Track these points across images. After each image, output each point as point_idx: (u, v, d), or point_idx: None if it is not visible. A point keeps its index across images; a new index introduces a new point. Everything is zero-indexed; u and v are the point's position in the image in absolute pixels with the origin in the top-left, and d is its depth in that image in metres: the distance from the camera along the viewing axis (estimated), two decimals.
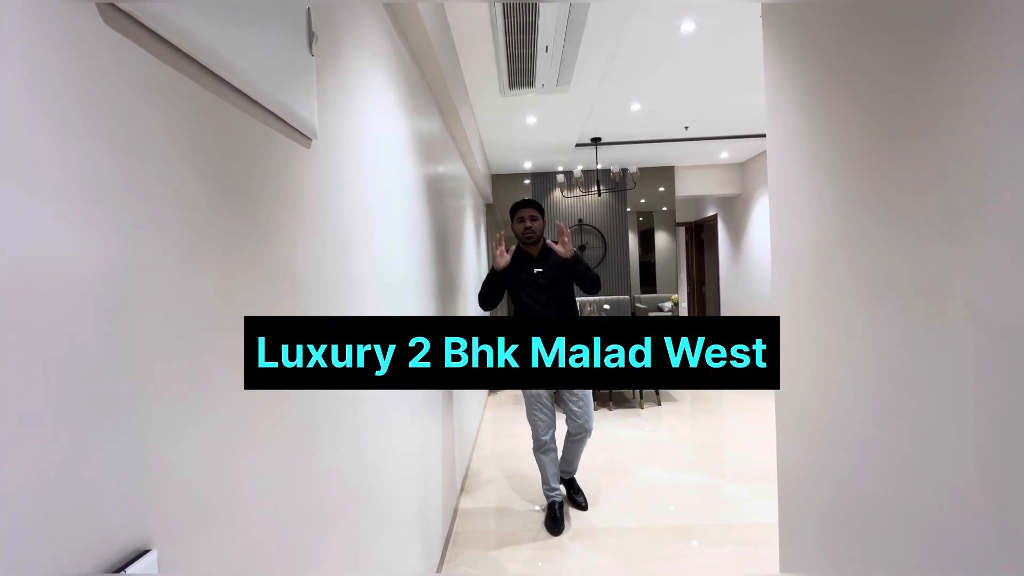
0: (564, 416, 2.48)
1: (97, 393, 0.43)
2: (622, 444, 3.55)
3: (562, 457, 2.54)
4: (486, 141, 4.50)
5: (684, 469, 3.11)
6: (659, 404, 4.58)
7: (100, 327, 0.43)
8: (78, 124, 0.42)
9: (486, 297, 2.44)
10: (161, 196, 0.52)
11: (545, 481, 2.45)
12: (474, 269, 4.14)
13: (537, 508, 2.59)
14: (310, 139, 0.90)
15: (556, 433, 2.47)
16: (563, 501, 2.49)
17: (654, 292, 6.98)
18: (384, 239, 1.41)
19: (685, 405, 4.60)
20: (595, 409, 2.46)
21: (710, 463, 3.24)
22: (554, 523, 2.33)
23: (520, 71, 2.92)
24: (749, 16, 2.49)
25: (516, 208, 2.43)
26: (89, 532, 0.41)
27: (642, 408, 4.49)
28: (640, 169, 5.48)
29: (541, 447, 2.42)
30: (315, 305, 0.91)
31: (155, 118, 0.52)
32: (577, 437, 2.46)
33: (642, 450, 3.45)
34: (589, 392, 2.43)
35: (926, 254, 0.77)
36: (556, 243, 2.38)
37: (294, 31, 0.81)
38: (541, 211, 2.42)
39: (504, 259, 2.35)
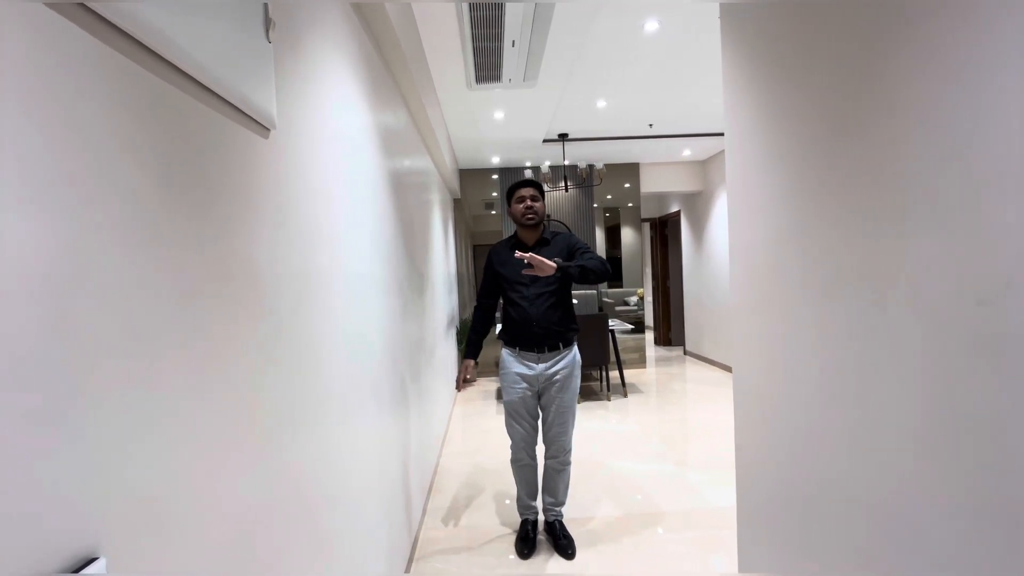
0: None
1: (38, 397, 0.41)
2: (591, 436, 3.61)
3: (544, 488, 2.27)
4: (453, 136, 4.46)
5: (650, 458, 3.19)
6: (626, 396, 4.68)
7: (41, 328, 0.41)
8: (13, 113, 0.40)
9: (480, 311, 2.22)
10: (107, 189, 0.50)
11: (519, 496, 2.27)
12: (442, 265, 4.11)
13: (508, 501, 2.60)
14: (269, 129, 0.88)
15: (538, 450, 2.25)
16: (536, 521, 2.28)
17: (620, 287, 7.10)
18: (349, 234, 1.38)
19: (651, 397, 4.71)
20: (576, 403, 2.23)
21: (675, 452, 3.33)
22: (524, 544, 2.16)
23: (487, 65, 2.91)
24: (710, 17, 2.56)
25: (516, 188, 2.14)
26: (30, 540, 0.39)
27: (609, 400, 4.57)
28: (606, 165, 5.56)
29: (517, 462, 2.21)
30: (278, 302, 0.88)
31: (99, 106, 0.49)
32: (555, 461, 2.19)
33: (610, 441, 3.52)
34: (571, 408, 2.14)
35: (870, 248, 0.81)
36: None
37: (250, 17, 0.78)
38: (542, 192, 2.16)
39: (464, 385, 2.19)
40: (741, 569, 1.31)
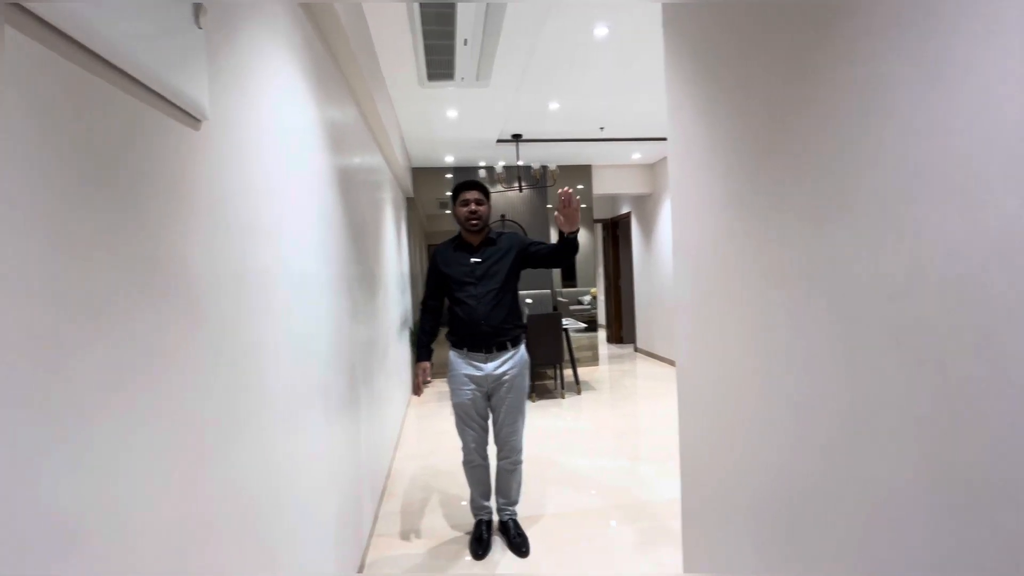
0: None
1: None
2: (545, 434, 3.65)
3: (496, 489, 2.27)
4: (406, 134, 4.39)
5: (604, 454, 3.26)
6: (579, 393, 4.77)
7: None
8: None
9: (427, 314, 2.20)
10: (9, 184, 0.45)
11: (472, 498, 2.27)
12: (394, 264, 4.03)
13: (462, 503, 2.59)
14: (200, 121, 0.83)
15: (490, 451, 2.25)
16: (491, 521, 2.27)
17: (574, 286, 7.22)
18: (294, 232, 1.33)
19: (604, 393, 4.82)
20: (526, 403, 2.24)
21: (627, 446, 3.43)
22: (478, 545, 2.14)
23: (439, 63, 2.88)
24: (658, 24, 2.65)
25: (460, 189, 2.09)
26: None
27: (563, 398, 4.64)
28: (560, 167, 5.63)
29: (470, 463, 2.21)
30: (212, 304, 0.84)
31: (10, 96, 0.45)
32: (507, 462, 2.20)
33: (564, 438, 3.57)
34: (520, 407, 2.15)
35: (797, 248, 0.87)
36: (558, 213, 1.86)
37: (176, 1, 0.74)
38: (487, 195, 2.12)
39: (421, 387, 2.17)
40: (686, 568, 1.36)
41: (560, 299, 7.11)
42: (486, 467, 2.25)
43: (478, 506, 2.27)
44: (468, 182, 2.13)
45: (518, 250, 2.12)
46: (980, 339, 0.55)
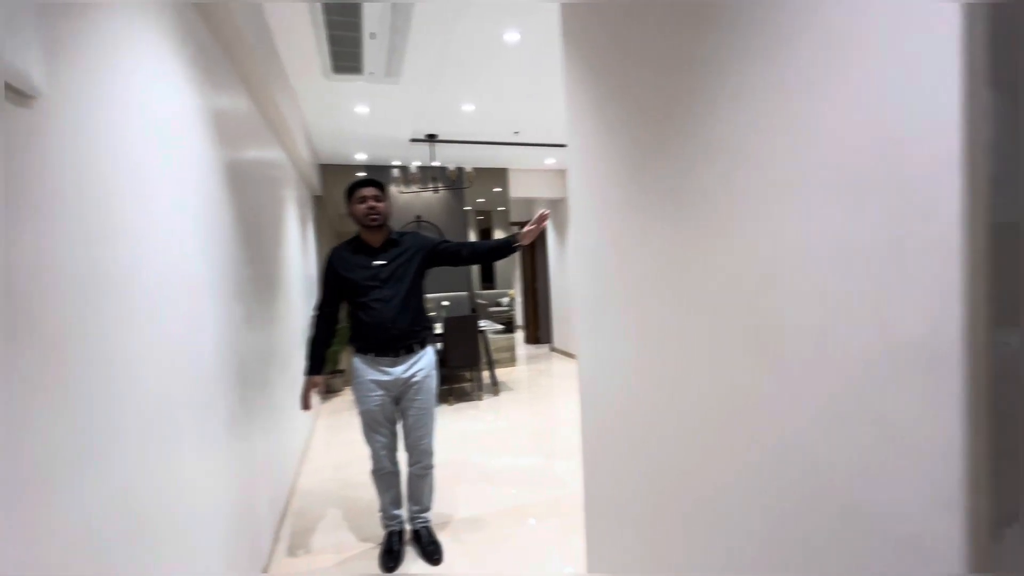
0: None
1: None
2: (463, 437, 3.62)
3: (408, 496, 2.21)
4: (312, 128, 4.15)
5: (521, 453, 3.30)
6: (497, 395, 4.79)
7: None
8: None
9: (322, 321, 2.06)
10: None
11: (383, 508, 2.18)
12: (299, 266, 3.78)
13: (374, 515, 2.48)
14: (31, 97, 0.70)
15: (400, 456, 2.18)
16: (402, 531, 2.21)
17: (492, 288, 7.27)
18: (166, 230, 1.19)
19: (521, 393, 4.89)
20: (435, 405, 2.20)
21: (544, 444, 3.50)
22: (389, 557, 2.07)
23: (345, 55, 2.75)
24: None
25: (355, 187, 2.01)
26: None
27: (481, 400, 4.64)
28: (476, 169, 5.63)
29: (379, 471, 2.12)
30: (52, 313, 0.71)
31: None
32: (418, 467, 2.15)
33: (483, 440, 3.57)
34: (430, 410, 2.11)
35: (674, 252, 0.93)
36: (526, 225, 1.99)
37: None
38: (385, 191, 2.05)
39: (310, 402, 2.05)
40: (590, 568, 1.40)
41: (479, 301, 7.12)
42: (396, 474, 2.17)
43: (389, 516, 2.19)
44: (362, 179, 2.06)
45: (426, 251, 2.09)
46: (818, 335, 0.62)
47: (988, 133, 0.44)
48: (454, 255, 2.10)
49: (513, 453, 3.31)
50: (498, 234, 6.91)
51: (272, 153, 2.91)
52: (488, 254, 2.11)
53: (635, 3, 0.97)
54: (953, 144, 0.46)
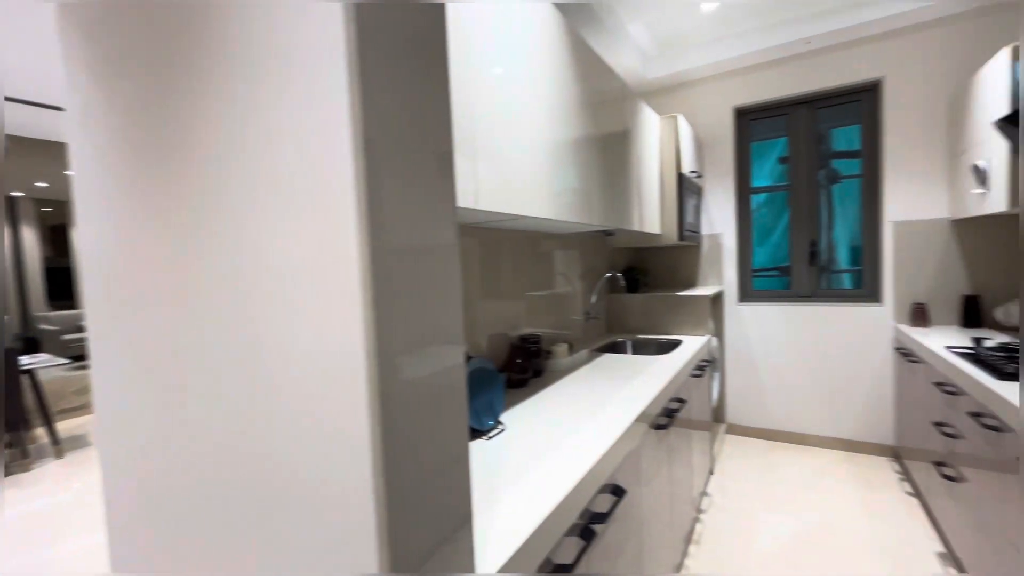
0: None
1: None
2: None
3: None
4: None
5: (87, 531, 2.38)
6: (60, 457, 3.43)
7: None
8: None
9: None
10: None
11: None
12: None
13: None
14: None
15: None
16: None
17: (73, 307, 5.33)
18: None
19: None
20: None
21: None
22: None
23: None
24: None
25: None
26: None
27: (29, 471, 3.21)
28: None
29: None
30: None
31: None
32: None
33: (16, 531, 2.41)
34: None
35: (174, 265, 0.77)
36: None
37: None
38: None
39: None
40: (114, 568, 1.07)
41: (46, 326, 5.07)
42: None
43: None
44: None
45: None
46: (286, 338, 0.57)
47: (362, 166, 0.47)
48: None
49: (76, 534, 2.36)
50: None
51: None
52: None
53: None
54: (348, 169, 0.47)
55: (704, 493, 2.48)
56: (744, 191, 3.22)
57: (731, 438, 3.22)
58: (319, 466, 0.56)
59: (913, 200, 2.69)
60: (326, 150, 0.51)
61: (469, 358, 1.30)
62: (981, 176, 2.08)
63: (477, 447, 1.13)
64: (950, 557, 1.91)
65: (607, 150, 1.87)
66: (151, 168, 0.81)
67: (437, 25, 0.61)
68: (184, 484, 0.84)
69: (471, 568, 0.63)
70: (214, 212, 0.68)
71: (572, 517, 0.90)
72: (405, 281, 0.54)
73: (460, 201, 1.03)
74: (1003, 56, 1.91)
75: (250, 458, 0.67)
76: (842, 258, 3.11)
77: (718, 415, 3.27)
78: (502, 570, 0.68)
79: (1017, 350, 1.77)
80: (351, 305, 0.50)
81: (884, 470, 2.68)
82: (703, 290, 2.87)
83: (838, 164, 3.04)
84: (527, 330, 1.93)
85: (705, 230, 3.28)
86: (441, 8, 0.61)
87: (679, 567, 1.88)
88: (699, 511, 2.31)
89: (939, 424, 1.92)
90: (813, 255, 3.04)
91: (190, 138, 0.71)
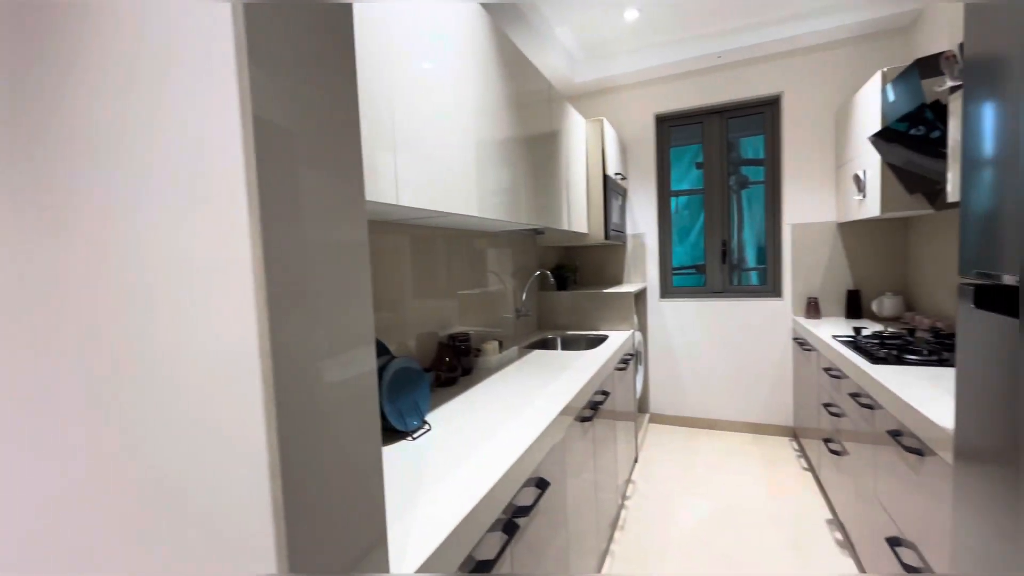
0: None
1: None
2: None
3: None
4: None
5: None
6: None
7: None
8: None
9: None
10: None
11: None
12: None
13: None
14: None
15: None
16: None
17: None
18: None
19: None
20: None
21: None
22: None
23: None
24: None
25: None
26: None
27: None
28: None
29: None
30: None
31: None
32: None
33: None
34: None
35: (43, 267, 0.69)
36: None
37: None
38: None
39: None
40: None
41: None
42: None
43: None
44: None
45: None
46: (175, 340, 0.53)
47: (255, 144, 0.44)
48: None
49: None
50: None
51: None
52: None
53: None
54: (238, 153, 0.44)
55: (629, 481, 2.60)
56: (665, 193, 3.41)
57: (654, 427, 3.41)
58: (214, 476, 0.52)
59: (807, 204, 2.99)
60: (213, 134, 0.47)
61: (393, 358, 1.27)
62: (860, 184, 2.35)
63: (401, 448, 1.11)
64: (836, 523, 2.14)
65: (535, 150, 1.90)
66: (8, 166, 0.71)
67: (343, 11, 0.58)
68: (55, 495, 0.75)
69: (386, 569, 0.62)
70: (88, 207, 0.61)
71: (496, 512, 0.91)
72: (307, 279, 0.52)
73: (379, 196, 1.00)
74: (876, 79, 2.16)
75: (137, 467, 0.62)
76: (750, 257, 3.38)
77: (642, 406, 3.44)
78: (420, 570, 0.67)
79: (888, 338, 2.02)
80: (244, 304, 0.47)
81: (785, 449, 2.95)
82: (628, 287, 3.00)
83: (747, 171, 3.31)
84: (457, 328, 1.92)
85: (629, 230, 3.44)
86: None
87: (605, 553, 1.96)
88: (624, 498, 2.42)
89: (827, 405, 2.15)
90: (725, 254, 3.29)
91: (56, 131, 0.63)
